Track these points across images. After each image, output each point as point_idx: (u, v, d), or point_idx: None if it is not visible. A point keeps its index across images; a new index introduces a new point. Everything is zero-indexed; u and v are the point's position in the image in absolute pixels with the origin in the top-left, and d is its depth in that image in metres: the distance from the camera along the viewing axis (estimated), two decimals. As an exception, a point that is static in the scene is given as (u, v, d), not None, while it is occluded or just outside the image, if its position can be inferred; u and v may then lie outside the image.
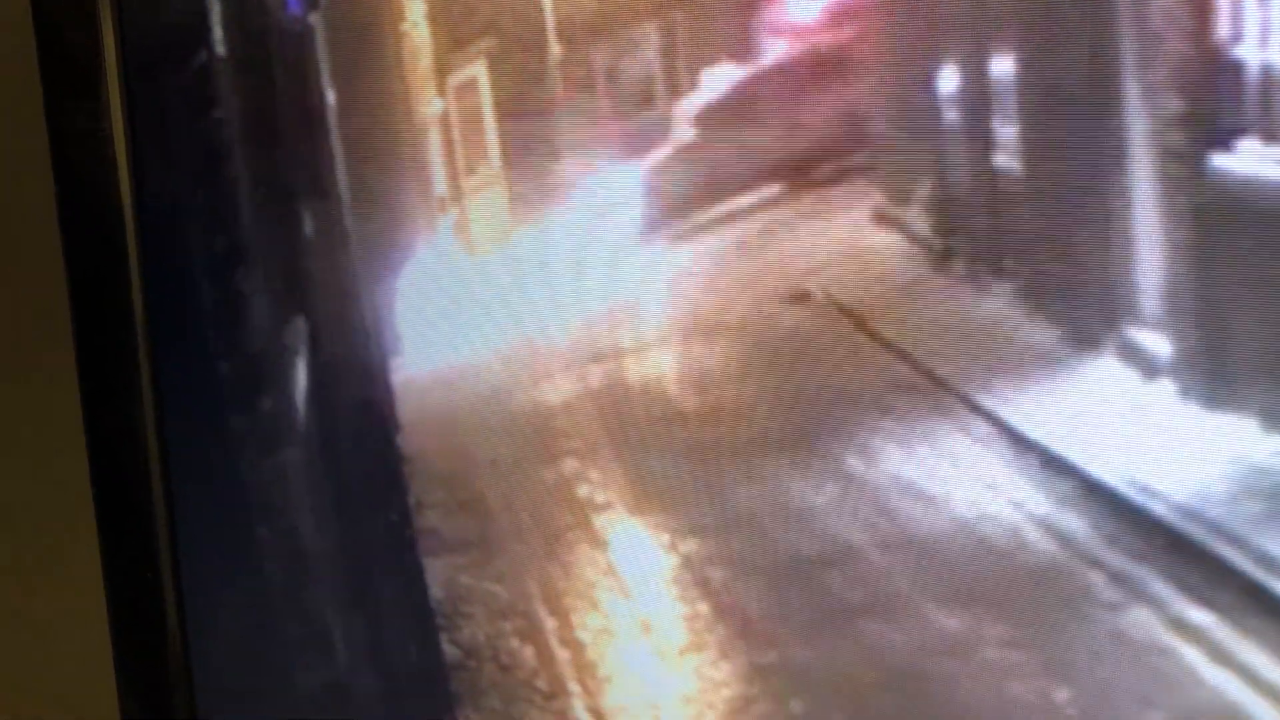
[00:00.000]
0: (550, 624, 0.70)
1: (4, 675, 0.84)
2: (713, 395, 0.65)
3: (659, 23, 0.63)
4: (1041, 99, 0.56)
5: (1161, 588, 0.57)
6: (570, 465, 0.69)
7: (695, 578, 0.67)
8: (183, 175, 0.72)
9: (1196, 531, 0.56)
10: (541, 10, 0.64)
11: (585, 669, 0.70)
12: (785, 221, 0.62)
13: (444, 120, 0.68)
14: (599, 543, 0.70)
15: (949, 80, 0.58)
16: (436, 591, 0.73)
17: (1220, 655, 0.56)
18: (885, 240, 0.60)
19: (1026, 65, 0.56)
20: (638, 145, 0.64)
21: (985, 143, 0.58)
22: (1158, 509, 0.57)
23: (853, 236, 0.60)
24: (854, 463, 0.62)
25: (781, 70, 0.60)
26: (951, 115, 0.58)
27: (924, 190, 0.60)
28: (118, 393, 0.73)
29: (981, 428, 0.59)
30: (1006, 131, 0.57)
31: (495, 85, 0.67)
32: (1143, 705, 0.58)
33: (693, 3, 0.62)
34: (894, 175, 0.59)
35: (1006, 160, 0.58)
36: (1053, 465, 0.58)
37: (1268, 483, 0.54)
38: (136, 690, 0.74)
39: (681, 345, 0.66)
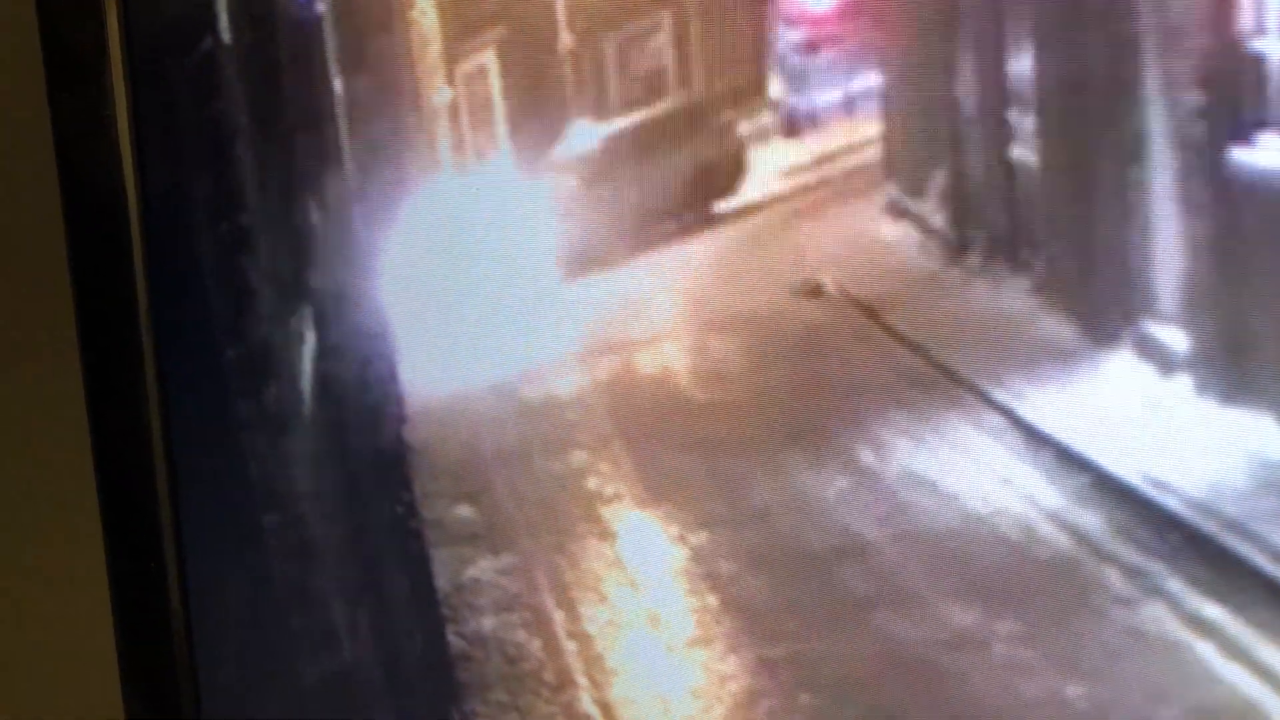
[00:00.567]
0: (558, 616, 0.70)
1: (6, 673, 0.83)
2: (724, 388, 0.65)
3: (672, 11, 0.62)
4: (1059, 90, 0.55)
5: (1176, 583, 0.57)
6: (579, 457, 0.69)
7: (704, 571, 0.67)
8: (188, 162, 0.72)
9: (1211, 527, 0.56)
10: (552, -1, 0.64)
11: (593, 662, 0.69)
12: (799, 214, 0.61)
13: (453, 109, 0.68)
14: (607, 535, 0.69)
15: (966, 70, 0.57)
16: (442, 583, 0.72)
17: (1234, 651, 0.56)
18: (899, 233, 0.60)
19: (1045, 56, 0.55)
20: (648, 137, 0.63)
21: (1002, 134, 0.57)
22: (1173, 504, 0.56)
23: (867, 229, 0.60)
24: (866, 456, 0.62)
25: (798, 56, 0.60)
26: (968, 106, 0.58)
27: (939, 182, 0.59)
28: (122, 381, 0.72)
29: (995, 421, 0.59)
30: (1023, 123, 0.57)
31: (505, 74, 0.66)
32: (1156, 700, 0.57)
33: (707, -9, 0.61)
34: (909, 167, 0.59)
35: (1023, 152, 0.57)
36: (1067, 460, 0.58)
37: (1284, 478, 0.54)
38: (140, 672, 0.73)
39: (693, 337, 0.65)
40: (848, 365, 0.62)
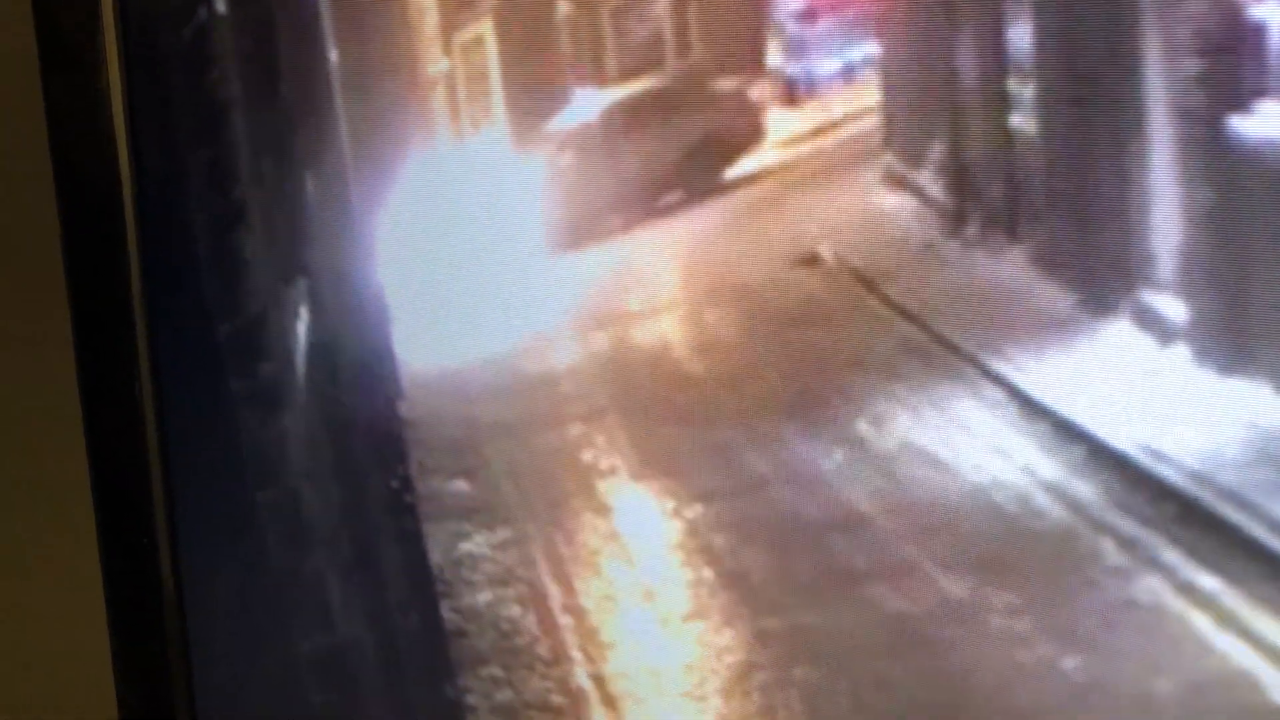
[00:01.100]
0: (553, 591, 0.70)
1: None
2: (721, 359, 0.65)
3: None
4: (1059, 59, 0.55)
5: (1171, 554, 0.57)
6: (575, 430, 0.69)
7: (700, 544, 0.67)
8: (182, 136, 0.71)
9: (1208, 498, 0.56)
10: (549, -32, 0.63)
11: (587, 636, 0.69)
12: (796, 184, 0.61)
13: (450, 79, 0.68)
14: (603, 509, 0.69)
15: (965, 39, 0.57)
16: (437, 558, 0.72)
17: (1229, 621, 0.56)
18: (897, 203, 0.60)
19: (1044, 25, 0.55)
20: (646, 107, 0.63)
21: (1001, 104, 0.57)
22: (1170, 474, 0.56)
23: (865, 199, 0.60)
24: (863, 427, 0.62)
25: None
26: (967, 75, 0.58)
27: (938, 152, 0.59)
28: (115, 358, 0.72)
29: (993, 393, 0.59)
30: (1023, 92, 0.57)
31: (502, 44, 0.66)
32: (1151, 671, 0.58)
33: (705, -39, 0.61)
34: (908, 137, 0.59)
35: (1022, 121, 0.57)
36: (1064, 430, 0.58)
37: (1281, 448, 0.54)
38: (134, 648, 0.73)
39: (690, 309, 0.65)
40: (845, 336, 0.62)
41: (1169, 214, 0.54)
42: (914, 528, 0.61)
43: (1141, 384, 0.56)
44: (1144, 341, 0.56)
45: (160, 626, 0.73)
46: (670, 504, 0.68)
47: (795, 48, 0.61)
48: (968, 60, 0.58)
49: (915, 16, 0.58)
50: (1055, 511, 0.59)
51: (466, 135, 0.68)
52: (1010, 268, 0.58)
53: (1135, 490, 0.57)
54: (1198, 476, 0.56)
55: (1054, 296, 0.57)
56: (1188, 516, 0.56)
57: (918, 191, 0.60)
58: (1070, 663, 0.59)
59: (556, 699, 0.69)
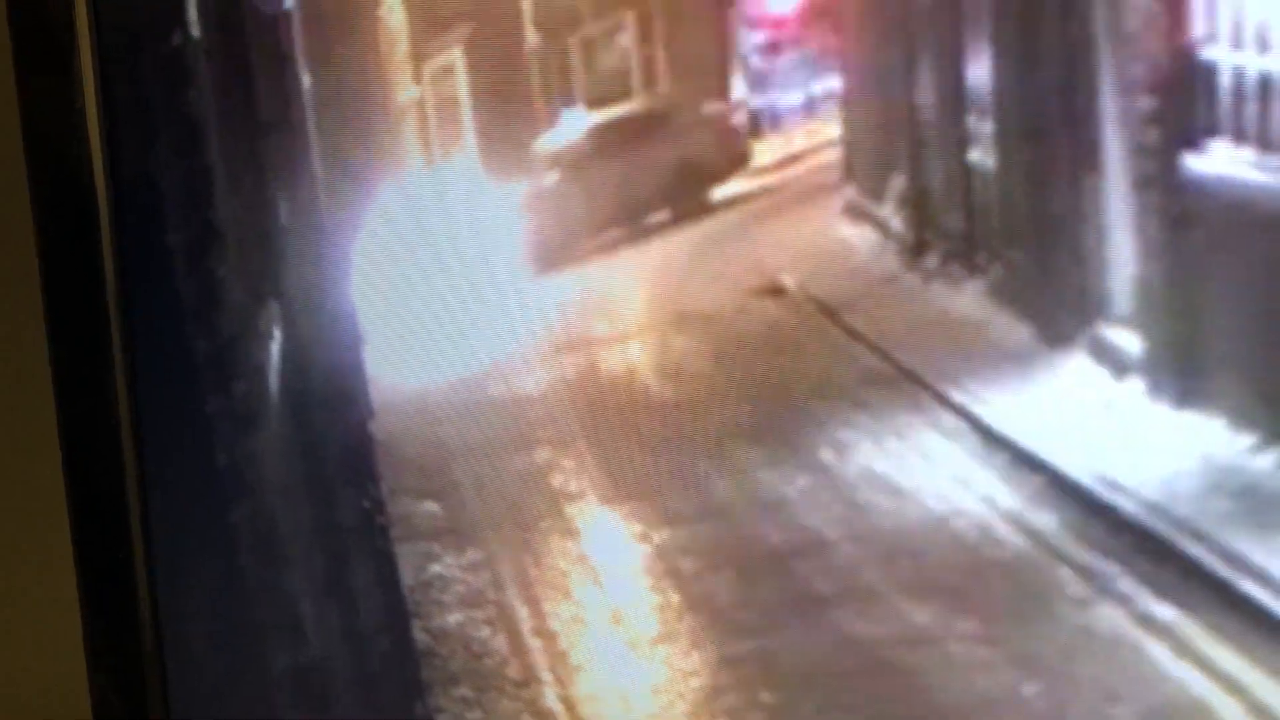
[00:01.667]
0: (522, 612, 0.70)
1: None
2: (687, 386, 0.65)
3: (636, 12, 0.62)
4: (1016, 96, 0.56)
5: (1129, 584, 0.58)
6: (544, 454, 0.69)
7: (667, 567, 0.67)
8: (157, 156, 0.72)
9: (1164, 528, 0.56)
10: (518, -2, 0.64)
11: (557, 658, 0.70)
12: (760, 215, 0.62)
13: (420, 106, 0.68)
14: (571, 532, 0.70)
15: (925, 75, 0.58)
16: (408, 578, 0.72)
17: (1186, 651, 0.57)
18: (859, 234, 0.60)
19: (1002, 62, 0.56)
20: (613, 136, 0.64)
21: (960, 139, 0.58)
22: (1127, 506, 0.57)
23: (827, 230, 0.60)
24: (826, 455, 0.62)
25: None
26: (927, 110, 0.58)
27: (898, 185, 0.60)
28: (90, 375, 0.72)
29: (952, 423, 0.59)
30: (981, 128, 0.57)
31: (471, 72, 0.66)
32: (1109, 699, 0.58)
33: (670, -7, 0.61)
34: (869, 170, 0.59)
35: (981, 156, 0.58)
36: (1023, 461, 0.59)
37: (1235, 481, 0.54)
38: (108, 670, 0.73)
39: (657, 336, 0.66)
40: (808, 364, 0.62)
41: (1125, 248, 0.55)
42: (877, 554, 0.62)
43: (1098, 416, 0.57)
44: (1100, 374, 0.57)
45: (136, 644, 0.73)
46: (638, 528, 0.68)
47: (759, 81, 0.62)
48: (927, 96, 0.58)
49: (876, 52, 0.58)
50: (1015, 541, 0.59)
51: (436, 161, 0.69)
52: (969, 300, 0.58)
53: (1093, 521, 0.58)
54: (1154, 507, 0.56)
55: (1011, 328, 0.57)
56: (1145, 547, 0.57)
57: (878, 224, 0.60)
58: (1030, 689, 0.60)
59: (525, 720, 0.70)
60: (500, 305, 0.68)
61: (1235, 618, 0.56)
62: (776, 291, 0.62)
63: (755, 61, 0.61)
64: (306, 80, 0.69)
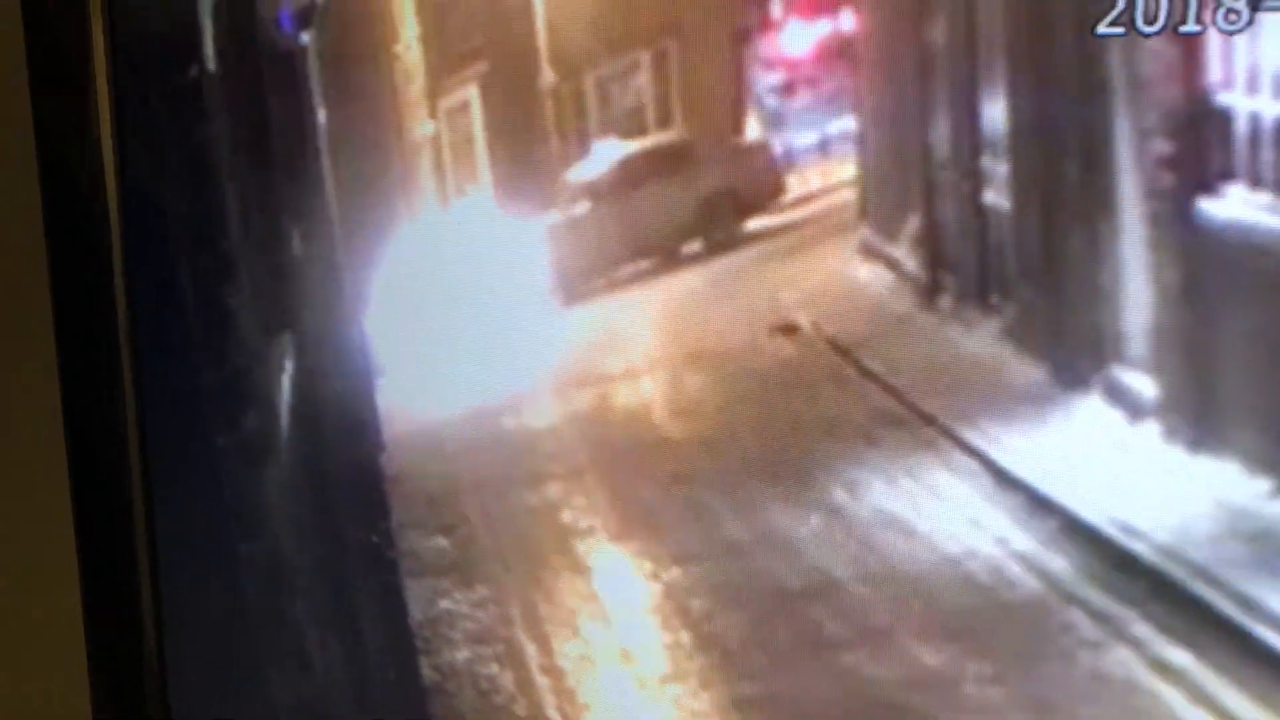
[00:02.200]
0: (530, 650, 0.70)
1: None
2: (700, 424, 0.65)
3: (652, 51, 0.63)
4: (1031, 138, 0.56)
5: (1143, 628, 0.57)
6: (555, 490, 0.69)
7: (677, 607, 0.67)
8: (171, 188, 0.72)
9: (1178, 573, 0.56)
10: (534, 35, 0.64)
11: (564, 696, 0.69)
12: (775, 253, 0.62)
13: (435, 142, 0.68)
14: (581, 569, 0.69)
15: (940, 117, 0.58)
16: (416, 614, 0.72)
17: (1199, 696, 0.57)
18: (873, 274, 0.61)
19: (1017, 105, 0.56)
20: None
21: (975, 180, 0.58)
22: (1141, 549, 0.57)
23: (842, 270, 0.60)
24: (839, 495, 0.62)
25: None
26: (941, 152, 0.58)
27: (913, 226, 0.60)
28: (100, 406, 0.72)
29: (966, 463, 0.59)
30: (996, 169, 0.58)
31: (487, 109, 0.67)
32: (1122, 745, 0.58)
33: (686, 33, 0.62)
34: (883, 210, 0.59)
35: (995, 198, 0.58)
36: (1037, 503, 0.58)
37: (1250, 526, 0.54)
38: (112, 703, 0.73)
39: (670, 372, 0.66)
40: (822, 404, 0.62)
41: (1139, 291, 0.55)
42: (889, 596, 0.62)
43: (1112, 459, 0.57)
44: (1114, 417, 0.56)
45: (140, 676, 0.73)
46: (648, 566, 0.68)
47: (774, 121, 0.62)
48: (942, 137, 0.59)
49: (891, 94, 0.59)
50: (1028, 583, 0.59)
51: (450, 196, 0.69)
52: (983, 340, 0.58)
53: (1107, 564, 0.57)
54: (1168, 552, 0.56)
55: (1026, 370, 0.57)
56: (1159, 591, 0.57)
57: (893, 264, 0.60)
58: (1042, 734, 0.59)
59: (533, 759, 0.69)
60: (512, 340, 0.68)
61: (1249, 663, 0.56)
62: (790, 330, 0.62)
63: (771, 102, 0.62)
64: (322, 114, 0.70)
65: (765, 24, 0.60)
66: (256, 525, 0.73)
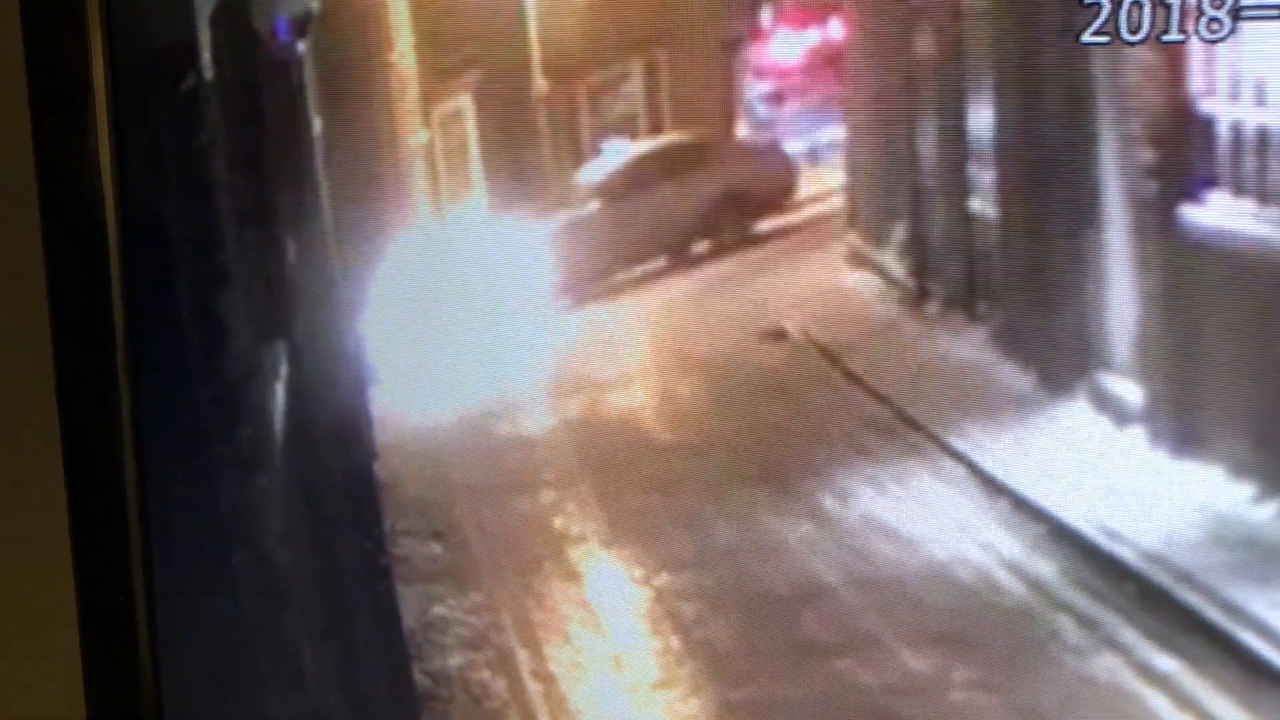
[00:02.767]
0: (523, 656, 0.70)
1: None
2: (690, 430, 0.66)
3: (643, 60, 0.63)
4: (1018, 146, 0.56)
5: (1129, 633, 0.58)
6: (547, 496, 0.69)
7: (668, 612, 0.67)
8: (168, 197, 0.72)
9: (1165, 579, 0.56)
10: (527, 45, 0.65)
11: (557, 702, 0.69)
12: (764, 260, 0.62)
13: (429, 151, 0.69)
14: (573, 575, 0.70)
15: (927, 125, 0.59)
16: (409, 620, 0.72)
17: (1185, 702, 0.57)
18: (862, 281, 0.61)
19: (1004, 113, 0.56)
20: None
21: (962, 188, 0.58)
22: (1127, 555, 0.57)
23: (830, 276, 0.61)
24: (828, 501, 0.62)
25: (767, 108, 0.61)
26: (929, 159, 0.59)
27: (900, 233, 0.60)
28: (96, 413, 0.73)
29: (954, 469, 0.60)
30: (983, 177, 0.58)
31: (481, 117, 0.67)
32: (1109, 750, 0.58)
33: (677, 42, 0.62)
34: (871, 217, 0.60)
35: (982, 205, 0.58)
36: (1024, 509, 0.59)
37: (1234, 531, 0.54)
38: (107, 716, 0.73)
39: (660, 379, 0.66)
40: (811, 410, 0.62)
41: (1124, 298, 0.55)
42: (877, 601, 0.62)
43: (1098, 465, 0.57)
44: (1101, 423, 0.57)
45: (135, 686, 0.73)
46: (639, 572, 0.68)
47: (764, 128, 0.62)
48: (929, 145, 0.59)
49: (880, 102, 0.59)
50: (1015, 588, 0.59)
51: (444, 204, 0.69)
52: (969, 347, 0.58)
53: (1094, 570, 0.57)
54: (1153, 557, 0.56)
55: (1012, 376, 0.58)
56: (1145, 597, 0.57)
57: (881, 270, 0.61)
58: (1030, 739, 0.59)
59: (524, 765, 0.69)
60: (505, 348, 0.69)
61: (1235, 669, 0.56)
62: (778, 336, 0.62)
63: (760, 110, 0.62)
64: (317, 123, 0.70)
65: (755, 33, 0.61)
66: (250, 532, 0.74)
